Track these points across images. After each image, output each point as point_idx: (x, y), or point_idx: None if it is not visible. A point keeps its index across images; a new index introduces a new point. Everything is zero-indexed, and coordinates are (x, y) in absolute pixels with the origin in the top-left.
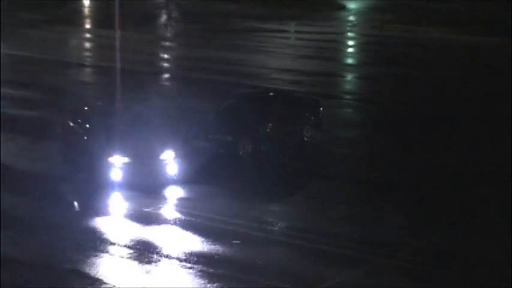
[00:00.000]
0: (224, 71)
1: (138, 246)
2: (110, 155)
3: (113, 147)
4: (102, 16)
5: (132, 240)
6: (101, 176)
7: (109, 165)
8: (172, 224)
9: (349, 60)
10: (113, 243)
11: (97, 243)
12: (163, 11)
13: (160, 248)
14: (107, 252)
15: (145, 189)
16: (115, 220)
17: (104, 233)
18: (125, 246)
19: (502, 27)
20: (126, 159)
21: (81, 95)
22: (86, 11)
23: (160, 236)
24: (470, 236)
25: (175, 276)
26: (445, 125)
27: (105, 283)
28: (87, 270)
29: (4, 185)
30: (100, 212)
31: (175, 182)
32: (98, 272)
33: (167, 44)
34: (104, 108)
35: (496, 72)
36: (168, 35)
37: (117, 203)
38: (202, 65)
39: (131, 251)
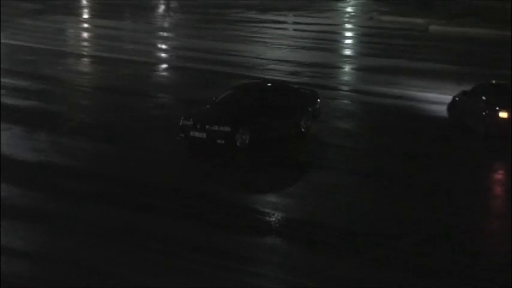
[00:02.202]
0: (222, 61)
1: None
2: None
3: None
4: (101, 6)
5: None
6: None
7: None
8: None
9: (347, 52)
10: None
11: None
12: (162, 2)
13: None
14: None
15: None
16: None
17: None
18: None
19: (501, 19)
20: None
21: (78, 85)
22: (84, 0)
23: None
24: (470, 230)
25: None
26: (445, 117)
27: None
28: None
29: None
30: None
31: None
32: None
33: (165, 34)
34: None
35: (495, 64)
36: (166, 25)
37: None
38: (200, 56)
39: None
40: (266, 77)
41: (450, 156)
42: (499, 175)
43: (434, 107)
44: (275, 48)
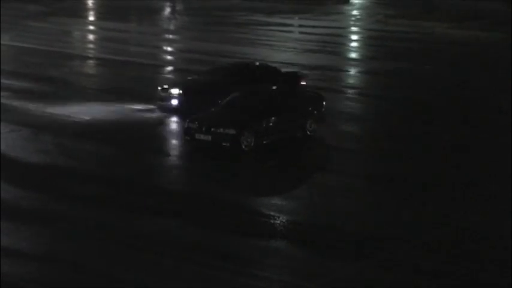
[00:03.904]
0: None
1: None
2: None
3: None
4: (106, 8)
5: None
6: None
7: None
8: None
9: (353, 55)
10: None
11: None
12: (167, 4)
13: None
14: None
15: None
16: None
17: None
18: None
19: (504, 22)
20: None
21: (83, 87)
22: (89, 3)
23: None
24: (470, 232)
25: None
26: (448, 119)
27: None
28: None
29: (5, 176)
30: None
31: None
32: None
33: (171, 37)
34: None
35: (498, 67)
36: (172, 27)
37: None
38: (206, 58)
39: None
40: None
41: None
42: None
43: None
44: (281, 51)
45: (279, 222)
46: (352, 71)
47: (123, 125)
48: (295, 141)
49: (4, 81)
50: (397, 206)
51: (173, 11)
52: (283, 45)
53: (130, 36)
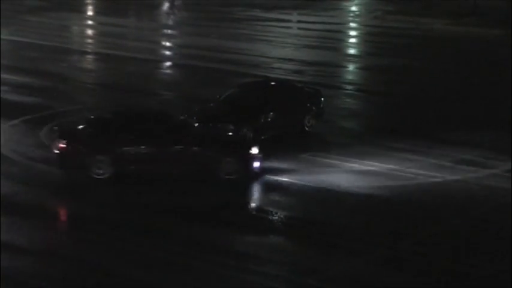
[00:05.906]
0: (226, 59)
1: None
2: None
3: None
4: (105, 3)
5: None
6: None
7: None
8: None
9: (351, 51)
10: None
11: None
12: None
13: None
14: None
15: None
16: None
17: None
18: None
19: (503, 19)
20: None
21: (82, 82)
22: None
23: None
24: (470, 229)
25: None
26: (446, 116)
27: None
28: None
29: (4, 171)
30: None
31: None
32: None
33: (169, 32)
34: None
35: (497, 63)
36: (171, 23)
37: None
38: (204, 54)
39: None
40: (270, 75)
41: None
42: None
43: None
44: (279, 46)
45: (277, 217)
46: (351, 67)
47: None
48: (293, 136)
49: (4, 76)
50: (393, 202)
51: (172, 7)
52: (282, 40)
53: (129, 31)
